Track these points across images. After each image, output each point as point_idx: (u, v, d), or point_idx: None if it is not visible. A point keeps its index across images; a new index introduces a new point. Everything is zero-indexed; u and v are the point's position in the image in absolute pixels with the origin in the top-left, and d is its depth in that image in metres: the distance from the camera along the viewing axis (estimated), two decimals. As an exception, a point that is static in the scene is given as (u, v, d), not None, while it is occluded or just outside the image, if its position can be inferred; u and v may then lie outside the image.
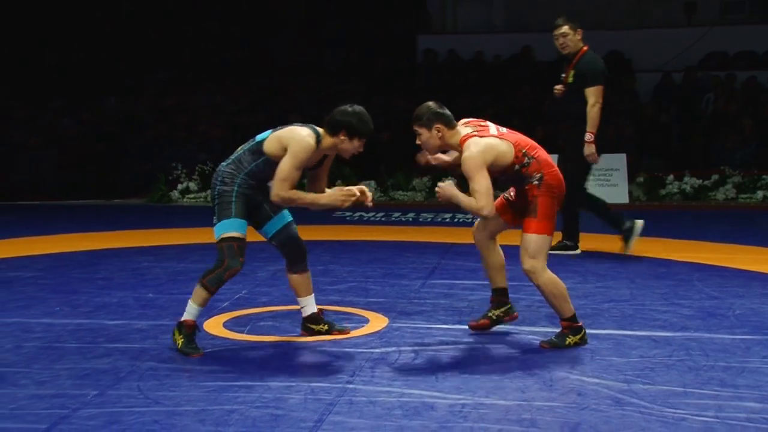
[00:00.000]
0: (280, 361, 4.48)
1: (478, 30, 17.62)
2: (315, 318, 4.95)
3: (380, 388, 4.02)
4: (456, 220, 10.68)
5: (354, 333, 5.03)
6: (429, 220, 10.72)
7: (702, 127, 14.17)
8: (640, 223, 7.66)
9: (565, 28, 7.47)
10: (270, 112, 15.28)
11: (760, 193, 12.44)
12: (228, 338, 4.94)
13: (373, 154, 13.85)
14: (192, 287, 6.17)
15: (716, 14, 17.29)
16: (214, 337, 4.95)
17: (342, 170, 13.45)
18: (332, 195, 4.71)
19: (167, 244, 7.51)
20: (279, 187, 4.55)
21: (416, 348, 4.67)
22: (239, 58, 16.74)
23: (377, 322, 5.30)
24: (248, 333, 5.04)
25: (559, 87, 7.60)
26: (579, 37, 7.50)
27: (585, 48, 7.58)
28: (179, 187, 12.74)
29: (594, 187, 12.53)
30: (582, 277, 6.68)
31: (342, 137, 4.64)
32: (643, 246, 8.34)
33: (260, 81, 16.07)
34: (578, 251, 7.75)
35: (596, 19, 16.88)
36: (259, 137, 4.76)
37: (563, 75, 7.63)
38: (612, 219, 7.76)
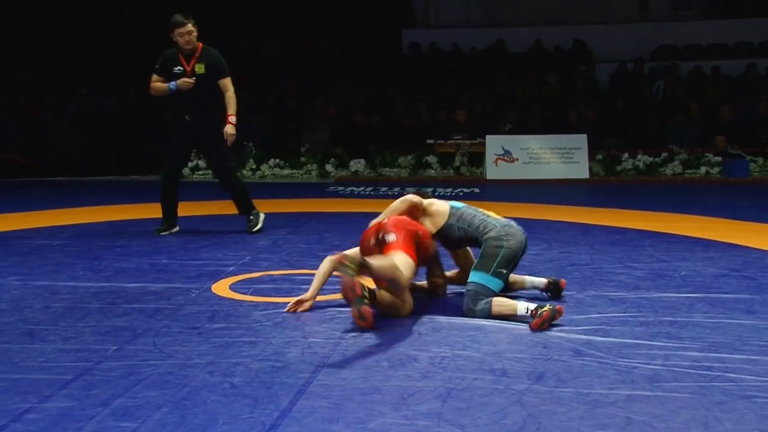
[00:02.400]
0: (280, 319, 4.46)
1: (457, 24, 17.53)
2: None
3: (369, 344, 4.02)
4: (436, 193, 10.65)
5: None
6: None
7: (653, 111, 14.16)
8: (262, 216, 7.41)
9: (191, 26, 6.96)
10: (271, 99, 15.18)
11: (703, 169, 12.48)
12: (234, 299, 4.92)
13: (363, 135, 13.84)
14: (201, 254, 6.15)
15: (666, 11, 17.25)
16: (222, 298, 4.92)
17: (336, 151, 13.41)
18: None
19: (179, 216, 7.45)
20: None
21: None
22: (245, 49, 16.59)
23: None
24: (252, 294, 5.02)
25: (189, 80, 6.98)
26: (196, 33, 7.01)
27: (200, 44, 7.07)
28: (189, 164, 12.67)
29: (557, 164, 12.57)
30: (548, 244, 6.68)
31: None
32: (601, 216, 8.36)
33: (264, 70, 15.96)
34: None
35: (561, 14, 16.80)
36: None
37: (181, 69, 7.01)
38: (246, 204, 7.40)
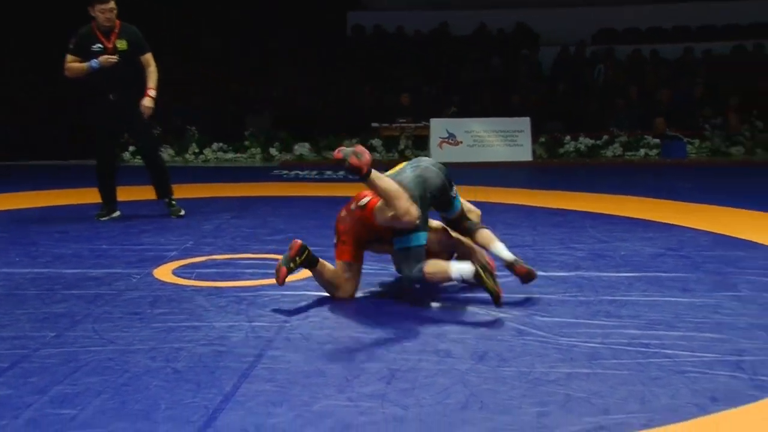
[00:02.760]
0: (224, 304, 4.43)
1: (401, 7, 17.49)
2: None
3: (314, 327, 4.01)
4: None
5: (291, 278, 4.99)
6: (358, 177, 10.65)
7: (594, 95, 14.36)
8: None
9: (113, 3, 6.82)
10: (213, 83, 15.01)
11: (642, 151, 12.71)
12: (177, 284, 4.87)
13: (307, 118, 13.78)
14: (142, 238, 6.07)
15: (607, -6, 17.43)
16: (164, 283, 4.87)
17: (280, 134, 13.33)
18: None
19: (120, 201, 7.34)
20: None
21: None
22: (188, 34, 16.35)
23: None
24: (195, 279, 4.98)
25: (113, 57, 6.80)
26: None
27: (118, 20, 6.91)
28: (130, 149, 12.48)
29: (501, 146, 12.68)
30: (491, 226, 6.71)
31: None
32: (544, 198, 8.46)
33: (207, 53, 15.74)
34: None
35: (506, -3, 16.85)
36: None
37: (101, 46, 6.81)
38: (167, 188, 7.31)
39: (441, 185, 4.30)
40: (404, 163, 4.53)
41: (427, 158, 4.44)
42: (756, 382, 3.25)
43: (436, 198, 4.34)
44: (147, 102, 6.91)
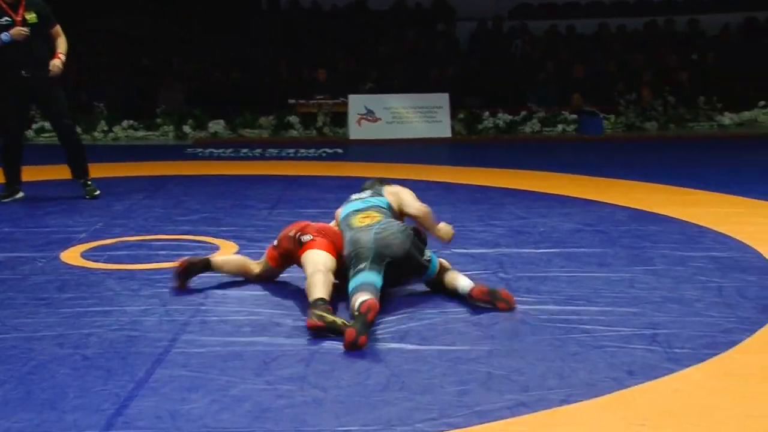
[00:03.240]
0: (136, 287, 4.33)
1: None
2: None
3: (231, 309, 3.97)
4: (299, 154, 10.59)
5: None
6: (274, 155, 10.58)
7: (512, 70, 14.50)
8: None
9: None
10: (121, 55, 14.61)
11: (560, 127, 12.91)
12: (86, 267, 4.74)
13: (222, 94, 13.55)
14: (48, 220, 5.88)
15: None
16: (72, 267, 4.74)
17: (193, 111, 13.09)
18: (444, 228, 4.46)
19: (24, 181, 7.09)
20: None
21: None
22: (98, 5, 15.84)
23: (228, 248, 5.20)
24: (105, 262, 4.85)
25: (24, 30, 6.54)
26: None
27: None
28: (34, 126, 12.06)
29: (420, 123, 12.72)
30: (410, 203, 6.77)
31: None
32: (463, 175, 8.54)
33: (108, 22, 15.29)
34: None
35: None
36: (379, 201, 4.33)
37: (9, 19, 6.55)
38: (83, 168, 7.12)
39: (404, 254, 3.97)
40: (376, 215, 4.19)
41: (396, 223, 4.12)
42: (670, 354, 3.35)
43: (399, 265, 3.99)
44: (57, 62, 6.67)
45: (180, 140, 12.56)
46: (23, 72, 6.64)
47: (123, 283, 4.41)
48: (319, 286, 3.75)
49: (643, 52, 14.38)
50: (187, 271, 4.28)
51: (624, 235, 5.57)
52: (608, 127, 12.99)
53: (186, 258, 4.36)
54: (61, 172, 7.36)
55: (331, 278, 3.88)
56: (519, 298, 4.09)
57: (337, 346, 3.45)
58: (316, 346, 3.45)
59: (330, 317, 3.55)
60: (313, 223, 4.32)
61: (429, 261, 4.10)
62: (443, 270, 4.17)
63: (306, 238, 4.14)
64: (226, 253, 4.93)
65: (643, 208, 6.49)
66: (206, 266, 4.36)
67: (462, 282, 4.08)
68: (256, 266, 4.43)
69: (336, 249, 4.11)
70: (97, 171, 7.87)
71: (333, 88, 13.30)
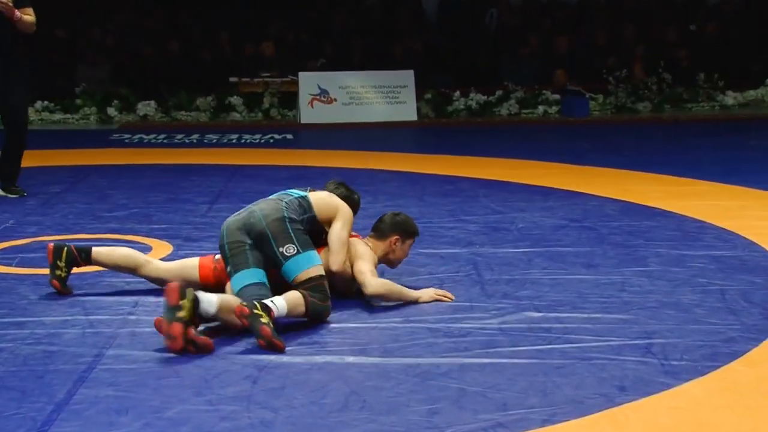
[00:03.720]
0: (54, 295, 4.29)
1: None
2: None
3: (164, 318, 3.94)
4: (243, 141, 10.55)
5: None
6: (214, 141, 10.53)
7: (486, 44, 14.56)
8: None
9: None
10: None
11: (541, 108, 13.00)
12: (-6, 272, 4.69)
13: (153, 71, 13.45)
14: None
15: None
16: (-21, 272, 4.69)
17: (119, 91, 12.97)
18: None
19: None
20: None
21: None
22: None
23: (161, 249, 5.17)
24: (17, 266, 4.80)
25: (6, 2, 6.57)
26: None
27: None
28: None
29: (382, 104, 12.74)
30: (372, 197, 6.77)
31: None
32: (431, 163, 8.57)
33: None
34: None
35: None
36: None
37: None
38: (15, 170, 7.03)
39: (259, 232, 3.98)
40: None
41: (273, 204, 4.14)
42: (667, 367, 3.40)
43: (258, 246, 3.99)
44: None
45: (104, 124, 12.44)
46: None
47: (38, 289, 4.36)
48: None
49: (635, 24, 14.51)
50: (58, 253, 4.23)
51: (614, 232, 5.62)
52: (595, 108, 13.12)
53: (53, 244, 4.30)
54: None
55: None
56: (496, 305, 4.13)
57: (289, 360, 3.45)
58: (264, 360, 3.45)
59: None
60: None
61: (287, 260, 3.95)
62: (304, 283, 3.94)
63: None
64: (160, 255, 4.90)
65: (635, 200, 6.56)
66: (86, 258, 4.30)
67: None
68: (148, 262, 4.35)
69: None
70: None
71: (281, 64, 13.25)
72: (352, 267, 4.22)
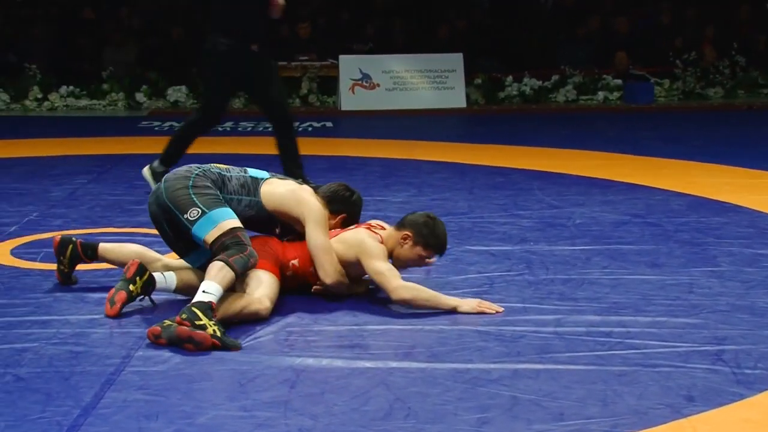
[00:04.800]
0: (82, 291, 4.35)
1: None
2: None
3: (196, 318, 3.98)
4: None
5: (166, 257, 4.93)
6: (249, 129, 10.61)
7: (541, 24, 14.48)
8: None
9: None
10: (58, 6, 14.60)
11: (601, 94, 12.91)
12: (17, 267, 4.75)
13: (183, 54, 13.55)
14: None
15: None
16: (0, 267, 4.75)
17: (148, 75, 13.09)
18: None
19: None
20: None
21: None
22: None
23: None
24: (41, 261, 4.87)
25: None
26: None
27: None
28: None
29: (428, 90, 12.71)
30: (417, 189, 6.79)
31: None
32: (481, 154, 8.55)
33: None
34: None
35: None
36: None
37: None
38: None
39: (164, 207, 4.11)
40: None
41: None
42: (739, 376, 3.36)
43: (170, 223, 4.16)
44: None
45: (132, 111, 12.57)
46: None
47: (64, 286, 4.42)
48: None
49: (705, 1, 14.35)
50: (62, 255, 4.34)
51: (681, 229, 5.58)
52: (661, 94, 13.02)
53: (60, 237, 4.40)
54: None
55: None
56: (551, 307, 4.11)
57: (329, 364, 3.47)
58: (302, 364, 3.47)
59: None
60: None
61: (193, 221, 3.99)
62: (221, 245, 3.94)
63: (294, 262, 4.25)
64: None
65: (704, 194, 6.51)
66: (92, 255, 4.37)
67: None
68: (158, 260, 4.34)
69: (277, 265, 4.18)
70: (29, 148, 7.93)
71: (320, 46, 13.27)
72: (362, 265, 4.14)
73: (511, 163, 7.91)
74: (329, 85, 12.93)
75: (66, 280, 4.43)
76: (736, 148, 8.82)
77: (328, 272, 4.14)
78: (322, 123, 11.12)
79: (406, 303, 4.06)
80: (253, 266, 3.99)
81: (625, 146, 8.85)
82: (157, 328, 3.66)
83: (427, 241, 4.19)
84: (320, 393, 3.22)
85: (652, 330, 3.83)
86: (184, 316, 3.63)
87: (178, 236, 4.16)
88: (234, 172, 4.28)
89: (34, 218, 5.87)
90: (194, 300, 3.73)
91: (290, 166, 6.48)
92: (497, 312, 4.05)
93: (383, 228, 4.35)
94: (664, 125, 10.76)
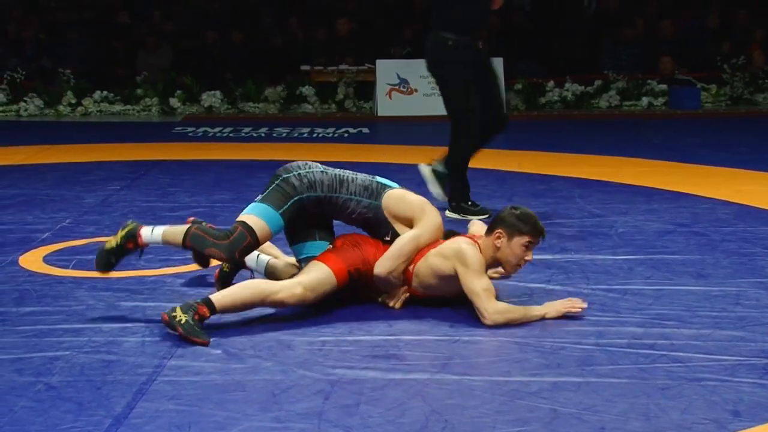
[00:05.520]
0: (113, 299, 4.39)
1: None
2: None
3: (231, 327, 4.01)
4: (315, 135, 10.63)
5: (198, 265, 4.96)
6: (284, 135, 10.64)
7: (584, 27, 14.42)
8: None
9: None
10: (92, 10, 14.75)
11: (645, 100, 12.83)
12: (50, 275, 4.81)
13: (218, 59, 13.64)
14: (2, 216, 5.97)
15: None
16: (33, 274, 4.81)
17: (182, 80, 13.18)
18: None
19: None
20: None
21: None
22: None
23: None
24: (73, 268, 4.92)
25: None
26: None
27: None
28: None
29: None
30: (454, 196, 6.77)
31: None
32: (521, 160, 8.53)
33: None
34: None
35: None
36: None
37: None
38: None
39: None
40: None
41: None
42: (787, 390, 3.34)
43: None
44: None
45: (166, 116, 12.67)
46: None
47: (96, 294, 4.47)
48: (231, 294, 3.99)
49: (754, 3, 14.22)
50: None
51: (727, 238, 5.54)
52: (708, 100, 12.92)
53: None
54: (15, 156, 7.43)
55: (265, 296, 4.01)
56: (592, 318, 4.09)
57: (364, 375, 3.47)
58: (337, 374, 3.48)
59: (183, 319, 3.80)
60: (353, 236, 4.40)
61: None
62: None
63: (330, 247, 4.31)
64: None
65: (751, 203, 6.46)
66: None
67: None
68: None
69: (352, 266, 4.20)
70: (62, 154, 8.01)
71: (357, 50, 13.30)
72: (457, 280, 4.12)
73: (552, 171, 7.89)
74: (366, 90, 12.96)
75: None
76: (786, 155, 8.74)
77: (384, 267, 4.21)
78: (359, 129, 11.14)
79: (497, 326, 4.02)
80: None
81: (670, 153, 8.80)
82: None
83: (519, 227, 4.15)
84: (355, 404, 3.23)
85: (696, 342, 3.80)
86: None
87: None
88: (361, 176, 4.44)
89: (66, 225, 5.94)
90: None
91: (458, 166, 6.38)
92: (582, 308, 4.11)
93: (480, 238, 4.33)
94: (710, 132, 10.68)
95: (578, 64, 13.48)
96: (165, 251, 5.18)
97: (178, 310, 3.85)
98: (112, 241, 4.31)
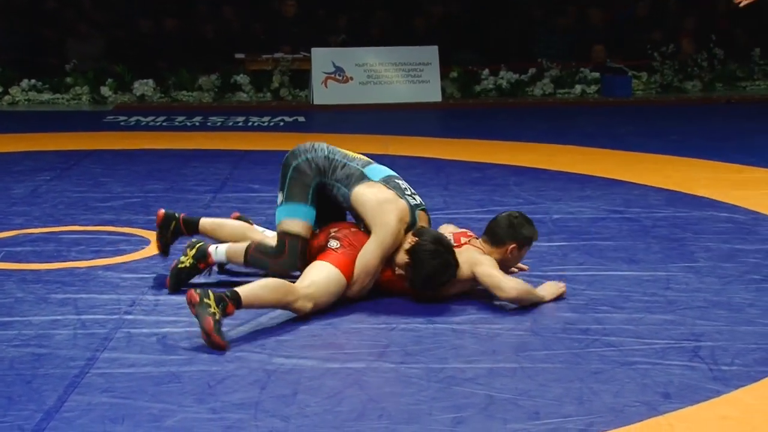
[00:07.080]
0: (44, 292, 4.33)
1: None
2: None
3: (165, 318, 3.98)
4: (250, 123, 10.57)
5: (132, 256, 4.93)
6: (219, 124, 10.56)
7: (518, 15, 14.50)
8: None
9: None
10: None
11: (578, 88, 12.95)
12: (-22, 268, 4.73)
13: (151, 47, 13.49)
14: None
15: None
16: (-39, 267, 4.73)
17: (114, 68, 13.02)
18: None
19: None
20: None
21: (208, 272, 4.52)
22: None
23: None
24: (2, 260, 4.84)
25: None
26: None
27: None
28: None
29: (403, 83, 12.72)
30: (390, 185, 6.78)
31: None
32: (457, 149, 8.56)
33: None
34: None
35: None
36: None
37: None
38: None
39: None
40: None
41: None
42: (716, 372, 3.40)
43: None
44: None
45: (97, 105, 12.50)
46: None
47: (26, 287, 4.41)
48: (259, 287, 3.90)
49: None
50: (165, 231, 4.55)
51: (658, 224, 5.62)
52: (638, 87, 13.06)
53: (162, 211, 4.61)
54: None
55: (283, 297, 3.93)
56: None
57: (301, 364, 3.47)
58: (274, 364, 3.47)
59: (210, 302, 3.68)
60: (349, 229, 4.33)
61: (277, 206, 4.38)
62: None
63: (333, 244, 4.21)
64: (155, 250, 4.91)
65: (682, 189, 6.55)
66: (192, 228, 4.60)
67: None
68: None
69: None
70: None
71: (293, 39, 13.24)
72: (469, 279, 4.20)
73: (488, 158, 7.92)
74: (301, 78, 12.91)
75: (165, 251, 4.62)
76: (715, 142, 8.87)
77: (354, 291, 4.16)
78: (294, 117, 11.09)
79: (516, 301, 4.11)
80: (272, 275, 4.13)
81: (603, 140, 8.89)
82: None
83: (529, 239, 4.39)
84: (292, 394, 3.23)
85: (628, 327, 3.85)
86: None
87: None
88: (354, 162, 4.45)
89: (-6, 216, 5.85)
90: None
91: None
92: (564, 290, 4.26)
93: (470, 236, 4.43)
94: (642, 119, 10.81)
95: (514, 52, 13.55)
96: (96, 241, 5.15)
97: (212, 298, 3.69)
98: (184, 260, 4.36)
